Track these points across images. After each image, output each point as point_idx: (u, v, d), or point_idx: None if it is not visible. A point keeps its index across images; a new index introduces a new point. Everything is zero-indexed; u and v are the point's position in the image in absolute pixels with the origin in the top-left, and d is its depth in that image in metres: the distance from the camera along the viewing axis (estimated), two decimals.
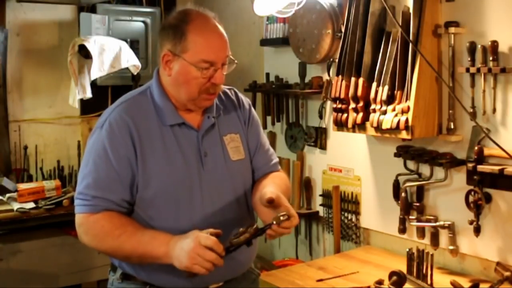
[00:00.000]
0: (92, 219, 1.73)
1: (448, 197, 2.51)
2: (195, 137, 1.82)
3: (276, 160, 2.04)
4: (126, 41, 3.61)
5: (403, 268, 2.33)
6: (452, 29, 2.38)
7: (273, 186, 1.81)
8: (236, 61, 1.84)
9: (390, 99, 2.48)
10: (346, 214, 2.98)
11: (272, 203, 1.70)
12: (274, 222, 1.67)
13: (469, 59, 2.33)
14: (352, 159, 2.95)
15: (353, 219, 2.95)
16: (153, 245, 1.69)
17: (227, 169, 1.85)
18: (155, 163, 1.76)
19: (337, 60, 2.72)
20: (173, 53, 1.75)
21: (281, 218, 1.67)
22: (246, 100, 2.01)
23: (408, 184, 2.60)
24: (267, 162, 1.99)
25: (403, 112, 2.40)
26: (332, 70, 2.91)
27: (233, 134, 1.91)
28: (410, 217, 2.59)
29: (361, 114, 2.57)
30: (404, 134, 2.40)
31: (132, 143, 1.74)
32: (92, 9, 3.65)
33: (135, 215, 1.79)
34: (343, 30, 2.72)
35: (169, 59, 1.77)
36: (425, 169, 2.57)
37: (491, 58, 2.25)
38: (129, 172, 1.75)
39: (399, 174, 2.65)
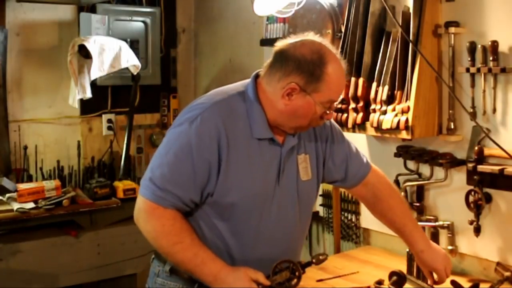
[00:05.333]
0: (157, 212, 1.74)
1: (448, 197, 2.51)
2: (278, 153, 1.84)
3: (365, 158, 2.10)
4: (126, 41, 3.61)
5: (403, 268, 2.33)
6: (452, 29, 2.38)
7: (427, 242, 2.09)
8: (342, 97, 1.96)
9: (390, 99, 2.48)
10: (346, 214, 2.98)
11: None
12: (314, 261, 1.82)
13: (469, 59, 2.33)
14: None
15: (353, 219, 2.95)
16: (202, 271, 1.73)
17: (296, 188, 1.89)
18: (237, 174, 1.76)
19: None
20: (301, 89, 1.74)
21: (320, 258, 1.83)
22: (331, 120, 2.03)
23: (408, 184, 2.60)
24: (361, 164, 2.06)
25: (403, 112, 2.40)
26: None
27: (304, 154, 1.92)
28: None
29: (361, 114, 2.57)
30: (404, 134, 2.40)
31: (218, 149, 1.73)
32: (92, 9, 3.65)
33: (201, 213, 1.81)
34: (343, 30, 2.72)
35: (293, 92, 1.75)
36: (425, 169, 2.57)
37: (491, 58, 2.25)
38: (206, 175, 1.74)
39: (399, 174, 2.65)
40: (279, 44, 1.81)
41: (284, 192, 1.85)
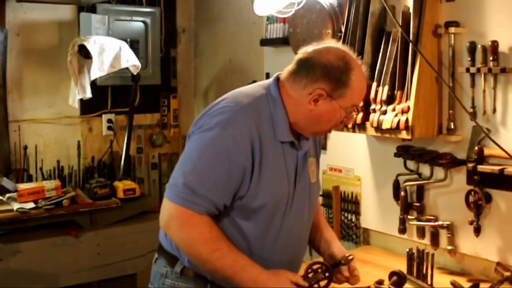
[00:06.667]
0: (193, 219, 1.72)
1: (448, 197, 2.51)
2: (295, 156, 1.86)
3: None
4: (126, 41, 3.61)
5: (403, 268, 2.33)
6: (452, 29, 2.38)
7: (332, 232, 2.10)
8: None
9: (390, 99, 2.48)
10: (346, 214, 2.98)
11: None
12: (343, 262, 1.90)
13: (469, 59, 2.33)
14: (352, 159, 2.95)
15: (353, 219, 2.95)
16: (242, 277, 1.74)
17: (308, 190, 1.93)
18: (268, 176, 1.77)
19: None
20: (328, 94, 1.77)
21: (349, 258, 1.91)
22: None
23: (408, 184, 2.60)
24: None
25: (403, 112, 2.40)
26: None
27: (312, 158, 1.97)
28: (410, 217, 2.59)
29: (361, 114, 2.57)
30: (404, 134, 2.40)
31: (252, 153, 1.74)
32: (92, 9, 3.65)
33: (228, 217, 1.80)
34: (343, 30, 2.72)
35: (320, 98, 1.78)
36: (425, 169, 2.57)
37: (491, 58, 2.25)
38: (240, 180, 1.75)
39: (399, 174, 2.65)
40: (302, 52, 1.84)
41: (299, 194, 1.89)
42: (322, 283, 1.85)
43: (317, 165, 2.05)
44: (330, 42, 1.86)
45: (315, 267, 1.85)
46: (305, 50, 1.83)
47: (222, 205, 1.76)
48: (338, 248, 2.00)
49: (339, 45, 1.86)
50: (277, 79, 1.86)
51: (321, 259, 1.98)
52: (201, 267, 1.79)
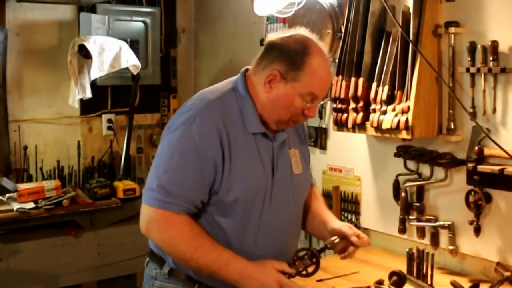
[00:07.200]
0: (172, 220, 1.73)
1: (448, 197, 2.51)
2: (271, 148, 1.87)
3: (312, 175, 2.17)
4: (126, 41, 3.61)
5: (403, 268, 2.33)
6: (452, 29, 2.38)
7: (330, 213, 2.06)
8: (328, 98, 1.96)
9: (390, 99, 2.48)
10: (346, 214, 2.98)
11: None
12: (328, 246, 1.88)
13: (469, 59, 2.33)
14: (352, 159, 2.95)
15: (353, 219, 2.95)
16: (227, 271, 1.73)
17: (291, 181, 1.91)
18: (240, 169, 1.77)
19: (337, 60, 2.72)
20: (282, 76, 1.77)
21: (335, 242, 1.88)
22: None
23: (408, 184, 2.60)
24: (310, 176, 2.12)
25: (403, 112, 2.40)
26: (332, 70, 2.90)
27: (294, 149, 1.97)
28: (410, 217, 2.59)
29: (361, 114, 2.57)
30: (404, 134, 2.40)
31: (221, 146, 1.74)
32: (92, 9, 3.65)
33: (205, 214, 1.80)
34: (343, 30, 2.72)
35: (275, 79, 1.78)
36: (425, 169, 2.57)
37: (491, 58, 2.25)
38: (213, 174, 1.75)
39: (399, 174, 2.65)
40: (269, 37, 1.85)
41: (279, 186, 1.87)
42: (310, 269, 1.84)
43: (304, 157, 2.03)
44: (299, 30, 1.86)
45: (300, 254, 1.84)
46: (273, 35, 1.85)
47: (199, 201, 1.76)
48: (338, 224, 1.96)
49: (306, 32, 1.85)
50: (245, 72, 1.88)
51: (306, 247, 1.96)
52: (186, 266, 1.80)
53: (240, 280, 1.74)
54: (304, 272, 1.83)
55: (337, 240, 1.88)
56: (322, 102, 1.90)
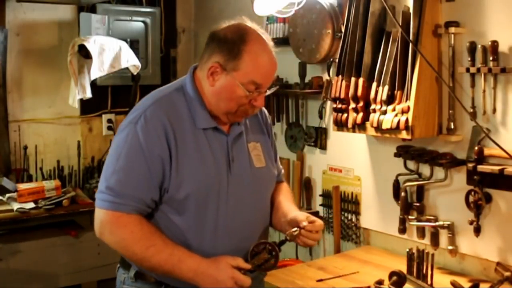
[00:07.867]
0: (122, 220, 1.71)
1: (448, 197, 2.51)
2: (225, 142, 1.84)
3: (282, 169, 2.14)
4: (126, 41, 3.61)
5: (403, 268, 2.33)
6: (452, 29, 2.38)
7: (292, 205, 1.98)
8: (277, 86, 1.92)
9: (390, 99, 2.48)
10: (346, 214, 2.98)
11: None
12: (288, 238, 1.82)
13: (469, 59, 2.33)
14: (352, 159, 2.95)
15: (353, 219, 2.95)
16: (181, 269, 1.71)
17: (251, 175, 1.88)
18: (189, 165, 1.75)
19: (337, 60, 2.72)
20: (222, 68, 1.75)
21: (294, 233, 1.81)
22: (267, 112, 2.06)
23: (408, 184, 2.60)
24: (278, 173, 2.08)
25: (403, 112, 2.40)
26: (332, 70, 2.90)
27: (255, 143, 1.94)
28: (410, 217, 2.59)
29: (361, 114, 2.57)
30: (404, 134, 2.40)
31: (167, 143, 1.73)
32: (92, 9, 3.65)
33: (159, 212, 1.79)
34: (343, 30, 2.72)
35: (216, 71, 1.77)
36: (425, 169, 2.57)
37: (491, 58, 2.25)
38: (161, 171, 1.74)
39: (399, 174, 2.65)
40: (211, 29, 1.84)
41: (238, 180, 1.84)
42: (269, 263, 1.80)
43: (267, 150, 1.99)
44: (239, 19, 1.85)
45: (258, 248, 1.80)
46: (216, 26, 1.83)
47: (150, 200, 1.75)
48: (294, 214, 1.89)
49: (247, 21, 1.84)
50: (194, 68, 1.88)
51: (264, 240, 1.87)
52: (141, 266, 1.79)
53: (195, 278, 1.72)
54: (263, 266, 1.79)
55: (296, 232, 1.81)
56: (270, 91, 1.85)
